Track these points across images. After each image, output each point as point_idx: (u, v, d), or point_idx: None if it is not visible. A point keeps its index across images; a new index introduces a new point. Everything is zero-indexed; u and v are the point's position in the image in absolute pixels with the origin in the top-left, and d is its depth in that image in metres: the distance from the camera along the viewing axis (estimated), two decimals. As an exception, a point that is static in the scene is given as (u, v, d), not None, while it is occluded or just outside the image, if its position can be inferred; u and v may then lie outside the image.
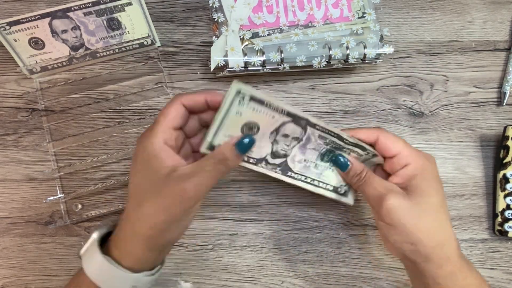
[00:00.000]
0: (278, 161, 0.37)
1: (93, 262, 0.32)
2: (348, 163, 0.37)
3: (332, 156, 0.38)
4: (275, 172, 0.38)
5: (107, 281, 0.32)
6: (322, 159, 0.38)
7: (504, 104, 0.49)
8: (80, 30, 0.45)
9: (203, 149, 0.33)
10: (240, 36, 0.45)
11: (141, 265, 0.33)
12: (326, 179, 0.39)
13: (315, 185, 0.39)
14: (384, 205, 0.34)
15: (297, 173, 0.39)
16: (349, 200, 0.41)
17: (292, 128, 0.35)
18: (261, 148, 0.36)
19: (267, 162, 0.37)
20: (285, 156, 0.37)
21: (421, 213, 0.34)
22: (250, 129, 0.34)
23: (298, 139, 0.36)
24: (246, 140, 0.32)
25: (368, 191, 0.36)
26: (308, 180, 0.39)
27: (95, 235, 0.33)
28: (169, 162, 0.31)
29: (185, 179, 0.30)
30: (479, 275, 0.35)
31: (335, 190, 0.40)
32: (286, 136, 0.36)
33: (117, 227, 0.33)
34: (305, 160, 0.38)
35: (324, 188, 0.40)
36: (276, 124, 0.34)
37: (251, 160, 0.36)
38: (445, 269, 0.34)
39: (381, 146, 0.36)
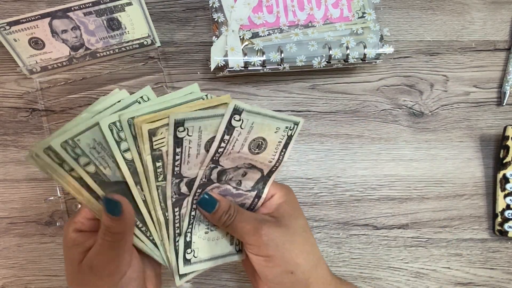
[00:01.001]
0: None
1: None
2: (216, 201, 0.33)
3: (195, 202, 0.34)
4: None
5: None
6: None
7: (504, 104, 0.49)
8: (80, 30, 0.45)
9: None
10: (240, 36, 0.45)
11: None
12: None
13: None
14: (261, 236, 0.32)
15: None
16: (243, 256, 0.38)
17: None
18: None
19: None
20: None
21: (293, 238, 0.34)
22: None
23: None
24: (108, 201, 0.29)
25: (240, 227, 0.33)
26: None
27: None
28: (84, 246, 0.31)
29: (93, 269, 0.30)
30: (353, 286, 0.37)
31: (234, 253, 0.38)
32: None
33: None
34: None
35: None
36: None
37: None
38: None
39: None
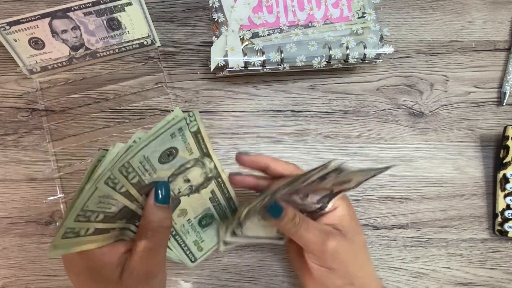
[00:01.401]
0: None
1: None
2: (282, 208, 0.34)
3: (265, 204, 0.34)
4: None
5: None
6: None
7: (504, 104, 0.49)
8: (80, 30, 0.45)
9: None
10: (240, 36, 0.45)
11: None
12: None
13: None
14: (327, 249, 0.33)
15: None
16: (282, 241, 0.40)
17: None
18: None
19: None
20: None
21: (357, 252, 0.35)
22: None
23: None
24: (160, 189, 0.31)
25: (306, 237, 0.34)
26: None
27: None
28: (114, 262, 0.30)
29: (139, 277, 0.30)
30: None
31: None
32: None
33: None
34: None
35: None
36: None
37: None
38: None
39: None
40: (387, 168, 0.32)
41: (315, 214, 0.36)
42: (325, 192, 0.35)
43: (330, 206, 0.36)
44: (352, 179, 0.33)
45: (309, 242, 0.34)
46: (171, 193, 0.33)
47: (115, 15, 0.44)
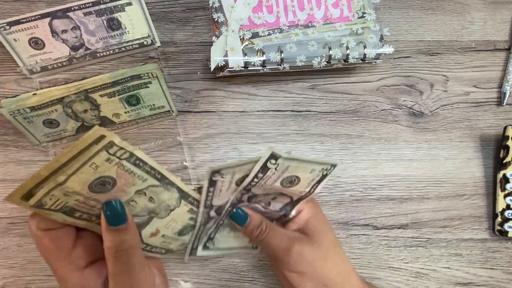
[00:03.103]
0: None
1: None
2: (247, 215, 0.35)
3: (229, 212, 0.35)
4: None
5: None
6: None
7: (504, 104, 0.49)
8: (80, 30, 0.45)
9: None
10: (240, 36, 0.45)
11: None
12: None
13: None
14: (292, 255, 0.34)
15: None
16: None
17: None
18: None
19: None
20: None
21: (325, 253, 0.35)
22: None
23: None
24: (108, 209, 0.28)
25: (273, 243, 0.34)
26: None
27: None
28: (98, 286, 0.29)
29: None
30: None
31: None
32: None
33: None
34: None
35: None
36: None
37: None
38: None
39: None
40: (334, 165, 0.33)
41: (283, 220, 0.37)
42: (285, 200, 0.36)
43: (293, 213, 0.37)
44: (298, 176, 0.33)
45: (275, 249, 0.34)
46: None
47: (115, 15, 0.44)
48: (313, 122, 0.48)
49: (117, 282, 0.28)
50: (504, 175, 0.47)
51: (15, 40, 0.43)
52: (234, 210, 0.35)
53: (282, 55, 0.44)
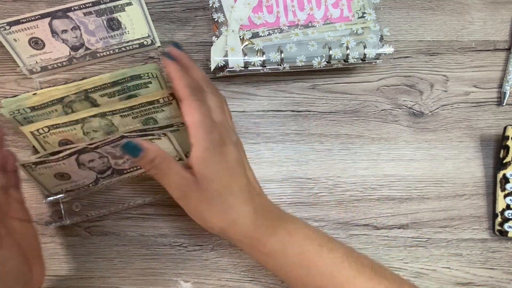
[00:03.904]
0: (108, 172, 0.43)
1: None
2: (140, 147, 0.33)
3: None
4: (117, 176, 0.43)
5: None
6: None
7: (504, 104, 0.49)
8: (80, 30, 0.45)
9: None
10: (240, 36, 0.45)
11: None
12: None
13: None
14: (181, 198, 0.35)
15: (130, 169, 0.43)
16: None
17: (85, 157, 0.40)
18: (86, 177, 0.42)
19: (102, 179, 0.43)
20: (109, 166, 0.42)
21: (209, 201, 0.34)
22: (62, 176, 0.40)
23: (102, 156, 0.41)
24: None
25: (165, 181, 0.34)
26: None
27: None
28: None
29: None
30: (283, 237, 0.35)
31: None
32: (91, 161, 0.41)
33: None
34: (128, 159, 0.42)
35: None
36: (73, 163, 0.40)
37: (91, 185, 0.43)
38: (246, 242, 0.36)
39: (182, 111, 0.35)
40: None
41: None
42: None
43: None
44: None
45: (169, 187, 0.35)
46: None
47: (115, 15, 0.44)
48: (313, 122, 0.48)
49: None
50: (504, 175, 0.47)
51: (15, 40, 0.43)
52: (125, 142, 0.33)
53: (282, 55, 0.44)
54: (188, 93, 0.34)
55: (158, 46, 0.48)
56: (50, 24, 0.43)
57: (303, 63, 0.45)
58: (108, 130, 0.43)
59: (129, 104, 0.41)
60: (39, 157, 0.39)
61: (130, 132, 0.41)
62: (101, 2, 0.43)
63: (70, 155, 0.41)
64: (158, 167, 0.34)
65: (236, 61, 0.44)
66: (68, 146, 0.39)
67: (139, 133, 0.41)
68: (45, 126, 0.41)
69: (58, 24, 0.44)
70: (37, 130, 0.41)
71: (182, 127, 0.41)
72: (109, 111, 0.41)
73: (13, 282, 0.33)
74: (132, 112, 0.42)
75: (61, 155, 0.40)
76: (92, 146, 0.40)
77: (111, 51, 0.47)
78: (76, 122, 0.41)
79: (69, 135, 0.42)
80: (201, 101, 0.35)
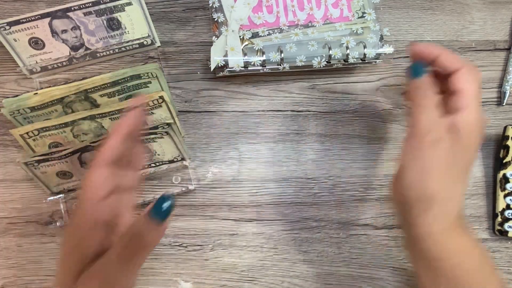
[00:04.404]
0: None
1: None
2: (426, 71, 0.34)
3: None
4: None
5: None
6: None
7: (504, 104, 0.49)
8: (80, 30, 0.45)
9: None
10: (240, 36, 0.45)
11: None
12: (159, 157, 0.45)
13: (155, 166, 0.45)
14: (429, 134, 0.32)
15: None
16: (187, 162, 0.46)
17: (87, 155, 0.41)
18: None
19: None
20: None
21: (455, 161, 0.32)
22: (64, 175, 0.41)
23: None
24: (166, 204, 0.26)
25: (419, 116, 0.32)
26: (145, 166, 0.45)
27: None
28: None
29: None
30: (470, 237, 0.34)
31: (171, 162, 0.45)
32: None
33: None
34: None
35: (162, 164, 0.45)
36: (76, 162, 0.41)
37: None
38: (439, 225, 0.32)
39: (454, 79, 0.34)
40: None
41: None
42: None
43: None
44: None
45: (419, 122, 0.32)
46: None
47: (115, 15, 0.44)
48: (313, 122, 0.48)
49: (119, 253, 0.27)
50: (504, 175, 0.47)
51: (15, 40, 0.43)
52: (415, 63, 0.35)
53: (282, 55, 0.44)
54: (466, 62, 0.34)
55: (158, 46, 0.48)
56: (50, 24, 0.43)
57: (303, 63, 0.45)
58: (98, 132, 0.43)
59: (118, 106, 0.41)
60: (41, 154, 0.39)
61: None
62: (101, 2, 0.43)
63: (73, 153, 0.41)
64: (427, 96, 0.33)
65: (236, 61, 0.44)
66: (61, 148, 0.40)
67: (141, 132, 0.41)
68: (35, 129, 0.41)
69: (58, 24, 0.44)
70: (27, 133, 0.41)
71: (168, 128, 0.42)
72: (99, 114, 0.41)
73: None
74: (122, 115, 0.42)
75: (63, 153, 0.40)
76: (95, 144, 0.40)
77: (111, 51, 0.47)
78: (66, 124, 0.41)
79: (59, 137, 0.42)
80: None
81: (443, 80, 0.35)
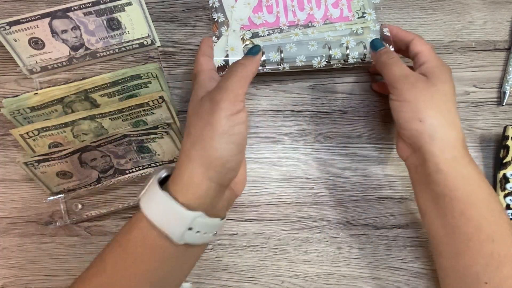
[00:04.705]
0: (111, 171, 0.45)
1: (151, 199, 0.31)
2: (383, 44, 0.42)
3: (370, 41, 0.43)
4: (119, 176, 0.45)
5: (163, 219, 0.31)
6: (141, 151, 0.44)
7: (504, 104, 0.49)
8: (80, 30, 0.45)
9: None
10: (240, 36, 0.45)
11: (199, 201, 0.32)
12: (159, 157, 0.45)
13: (156, 167, 0.46)
14: (406, 82, 0.37)
15: (132, 169, 0.45)
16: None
17: (87, 155, 0.42)
18: (89, 176, 0.44)
19: (104, 179, 0.45)
20: (112, 166, 0.44)
21: (434, 94, 0.36)
22: (64, 175, 0.43)
23: (104, 155, 0.43)
24: (255, 47, 0.39)
25: (394, 69, 0.38)
26: (145, 166, 0.46)
27: (155, 175, 0.33)
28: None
29: (213, 92, 0.34)
30: (477, 167, 0.36)
31: (171, 162, 0.46)
32: (93, 160, 0.42)
33: (175, 166, 0.33)
34: (130, 159, 0.44)
35: (162, 164, 0.46)
36: (76, 162, 0.42)
37: (93, 184, 0.45)
38: (448, 153, 0.35)
39: (412, 46, 0.41)
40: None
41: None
42: None
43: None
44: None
45: (392, 74, 0.38)
46: None
47: (115, 15, 0.44)
48: (313, 122, 0.48)
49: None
50: (504, 175, 0.47)
51: (15, 40, 0.43)
52: (374, 40, 0.43)
53: (282, 55, 0.44)
54: (416, 35, 0.42)
55: (158, 46, 0.48)
56: (50, 24, 0.43)
57: (303, 63, 0.45)
58: (98, 132, 0.43)
59: (118, 106, 0.41)
60: (41, 154, 0.39)
61: (133, 131, 0.41)
62: (101, 2, 0.43)
63: (73, 153, 0.41)
64: (392, 57, 0.40)
65: (236, 61, 0.44)
66: (61, 148, 0.40)
67: (142, 132, 0.41)
68: (35, 129, 0.41)
69: (58, 24, 0.44)
70: (27, 133, 0.41)
71: (168, 128, 0.42)
72: (99, 114, 0.41)
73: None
74: (122, 115, 0.42)
75: (63, 153, 0.40)
76: (95, 144, 0.40)
77: (111, 51, 0.47)
78: (66, 124, 0.41)
79: (59, 137, 0.42)
80: None
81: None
